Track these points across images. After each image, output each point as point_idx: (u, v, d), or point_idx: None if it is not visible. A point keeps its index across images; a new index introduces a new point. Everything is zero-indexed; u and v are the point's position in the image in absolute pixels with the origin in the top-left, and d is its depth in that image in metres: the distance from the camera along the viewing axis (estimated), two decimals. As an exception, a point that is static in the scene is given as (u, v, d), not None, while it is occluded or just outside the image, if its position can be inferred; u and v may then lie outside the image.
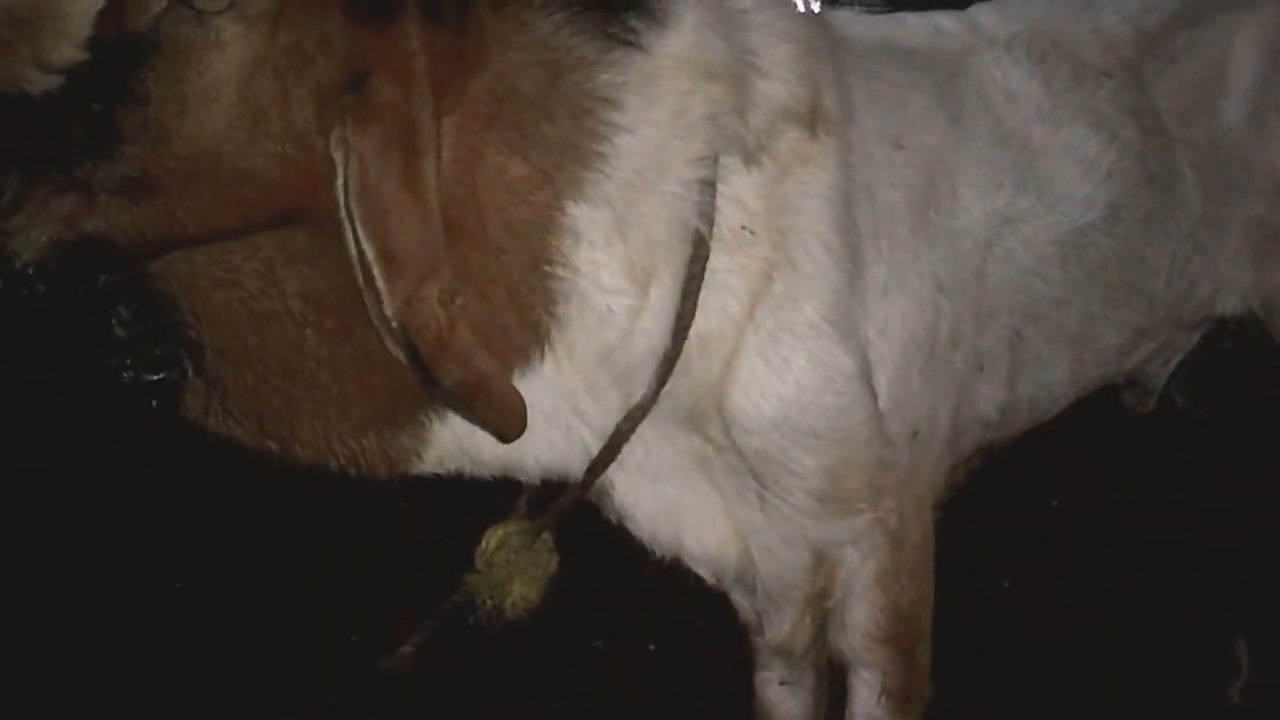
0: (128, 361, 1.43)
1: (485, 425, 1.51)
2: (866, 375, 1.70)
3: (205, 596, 2.93)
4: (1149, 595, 2.78)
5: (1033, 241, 1.90)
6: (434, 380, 1.39)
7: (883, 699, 1.95)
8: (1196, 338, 2.30)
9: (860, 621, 1.87)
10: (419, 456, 1.58)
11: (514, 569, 1.79)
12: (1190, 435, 2.64)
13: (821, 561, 1.81)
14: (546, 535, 1.82)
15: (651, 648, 2.95)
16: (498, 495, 1.81)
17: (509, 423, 1.46)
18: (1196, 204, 2.04)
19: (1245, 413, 2.53)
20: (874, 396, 1.72)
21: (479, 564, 1.83)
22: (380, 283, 1.33)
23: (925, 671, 1.98)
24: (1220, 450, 2.73)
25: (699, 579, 1.90)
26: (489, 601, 1.79)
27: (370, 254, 1.33)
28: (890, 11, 2.02)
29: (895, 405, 1.76)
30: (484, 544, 1.84)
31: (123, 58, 1.28)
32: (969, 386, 1.91)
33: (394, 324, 1.35)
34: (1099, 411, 2.37)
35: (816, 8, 2.07)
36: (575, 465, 1.66)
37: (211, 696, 2.70)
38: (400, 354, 1.37)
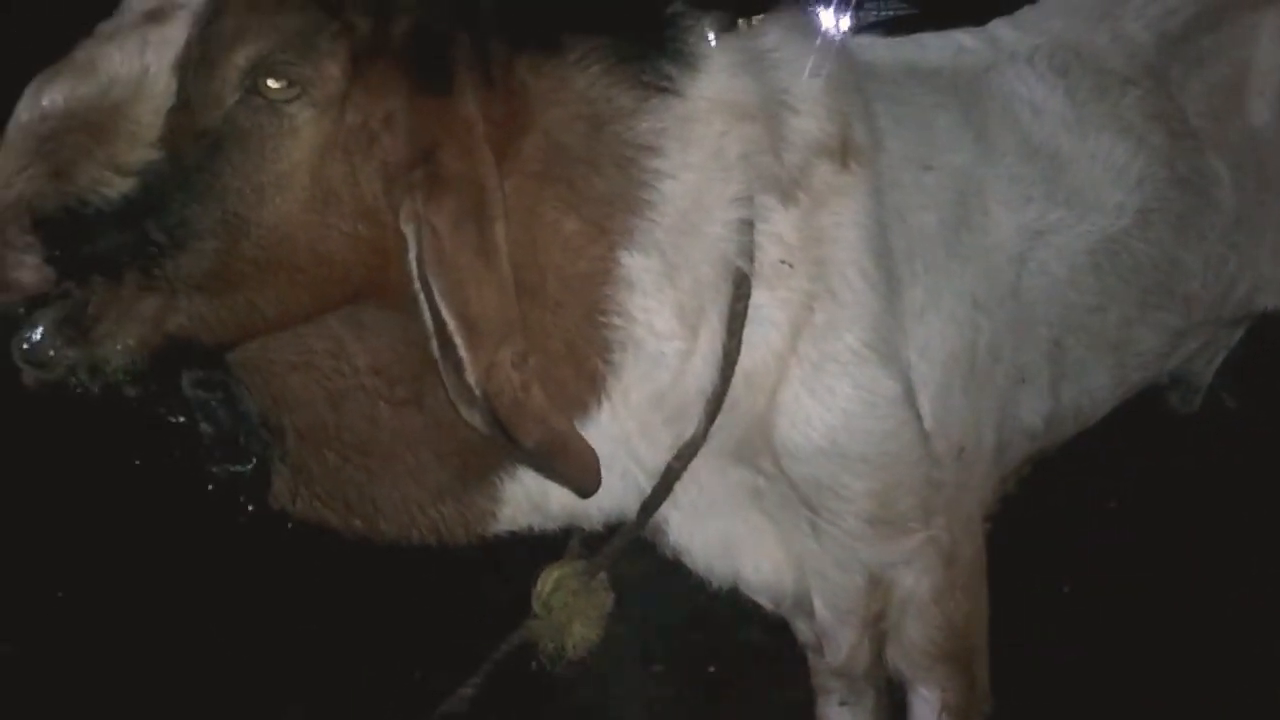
0: (216, 455, 1.46)
1: (566, 482, 1.52)
2: (911, 398, 1.71)
3: (263, 637, 2.96)
4: (1210, 597, 2.77)
5: (1066, 252, 1.91)
6: (516, 443, 1.40)
7: (943, 716, 1.96)
8: (1239, 334, 2.29)
9: (917, 640, 1.88)
10: (495, 517, 1.60)
11: (573, 611, 1.81)
12: (1241, 433, 2.63)
13: (877, 583, 1.82)
14: (602, 575, 1.84)
15: (711, 669, 2.96)
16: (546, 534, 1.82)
17: (587, 478, 1.48)
18: (1231, 204, 2.04)
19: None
20: (919, 418, 1.73)
21: (536, 607, 1.85)
22: (463, 351, 1.35)
23: (985, 687, 1.98)
24: (1273, 448, 2.71)
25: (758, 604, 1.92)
26: (550, 645, 1.81)
27: (452, 325, 1.34)
28: (911, 32, 2.03)
29: (940, 425, 1.78)
30: (540, 587, 1.85)
31: (195, 155, 1.30)
32: (1012, 400, 1.92)
33: (477, 391, 1.36)
34: (1152, 411, 2.37)
35: (842, 28, 2.08)
36: (631, 506, 1.68)
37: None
38: (479, 419, 1.39)
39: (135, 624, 3.03)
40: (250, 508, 1.49)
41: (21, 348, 1.29)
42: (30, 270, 1.26)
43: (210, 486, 1.46)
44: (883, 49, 1.91)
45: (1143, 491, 3.10)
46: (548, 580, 1.85)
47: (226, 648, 2.93)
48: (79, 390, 1.31)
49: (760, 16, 1.75)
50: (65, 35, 1.34)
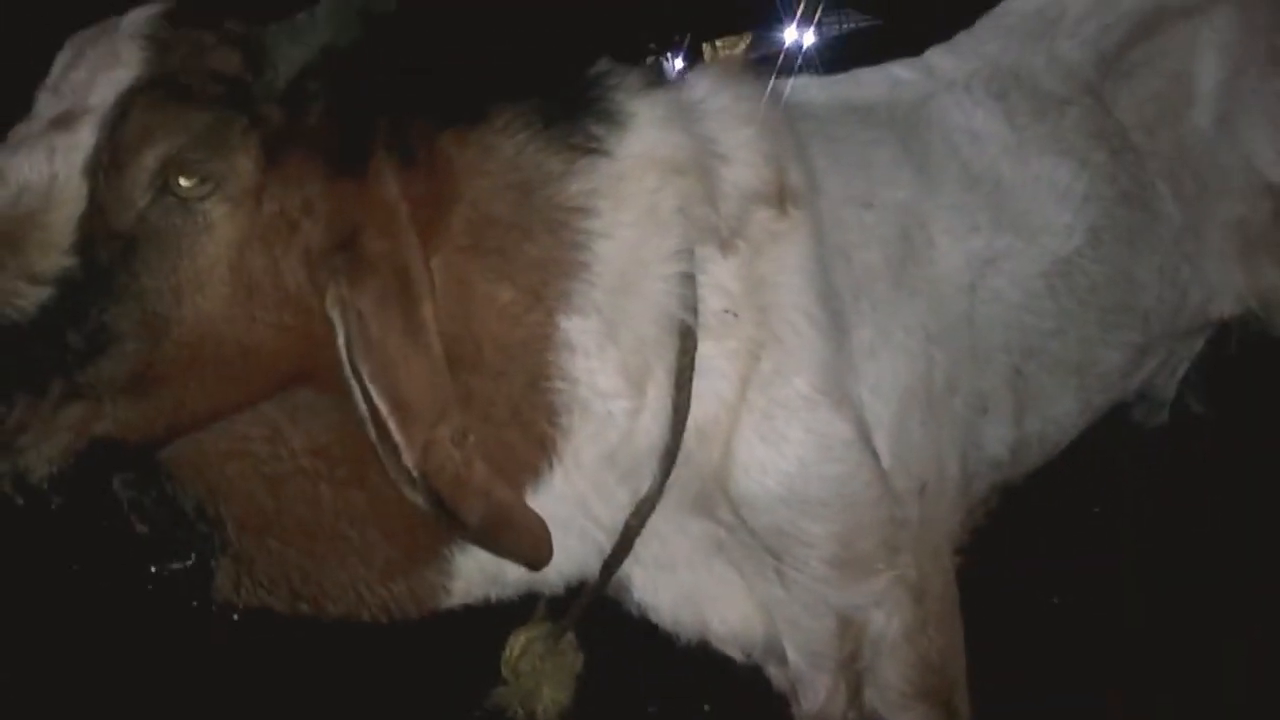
0: (154, 553, 1.44)
1: (515, 557, 1.50)
2: (866, 438, 1.69)
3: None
4: (1198, 601, 2.74)
5: (1018, 277, 1.90)
6: (460, 521, 1.39)
7: (927, 752, 1.93)
8: (1200, 344, 2.28)
9: (893, 680, 1.85)
10: (446, 591, 1.58)
11: (541, 675, 1.79)
12: (1210, 437, 2.61)
13: (848, 626, 1.80)
14: (569, 635, 1.82)
15: (707, 708, 2.92)
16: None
17: (537, 550, 1.46)
18: (1175, 214, 2.04)
19: (1262, 410, 2.50)
20: (875, 458, 1.71)
21: (505, 673, 1.83)
22: (397, 435, 1.33)
23: (967, 718, 1.96)
24: (1252, 450, 2.70)
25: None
26: (520, 711, 1.79)
27: (384, 409, 1.33)
28: (875, 44, 2.02)
29: (899, 461, 1.76)
30: (508, 652, 1.84)
31: (110, 258, 1.28)
32: (974, 430, 1.91)
33: (414, 473, 1.34)
34: (1118, 422, 2.35)
35: (804, 44, 2.08)
36: (593, 565, 1.66)
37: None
38: (420, 500, 1.37)
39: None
40: (194, 603, 1.46)
41: None
42: None
43: (150, 586, 1.44)
44: (816, 89, 1.91)
45: (1114, 504, 3.09)
46: (515, 644, 1.84)
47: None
48: (3, 500, 1.29)
49: (724, 40, 1.74)
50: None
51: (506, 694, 1.79)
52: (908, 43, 2.10)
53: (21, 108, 1.36)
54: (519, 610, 1.84)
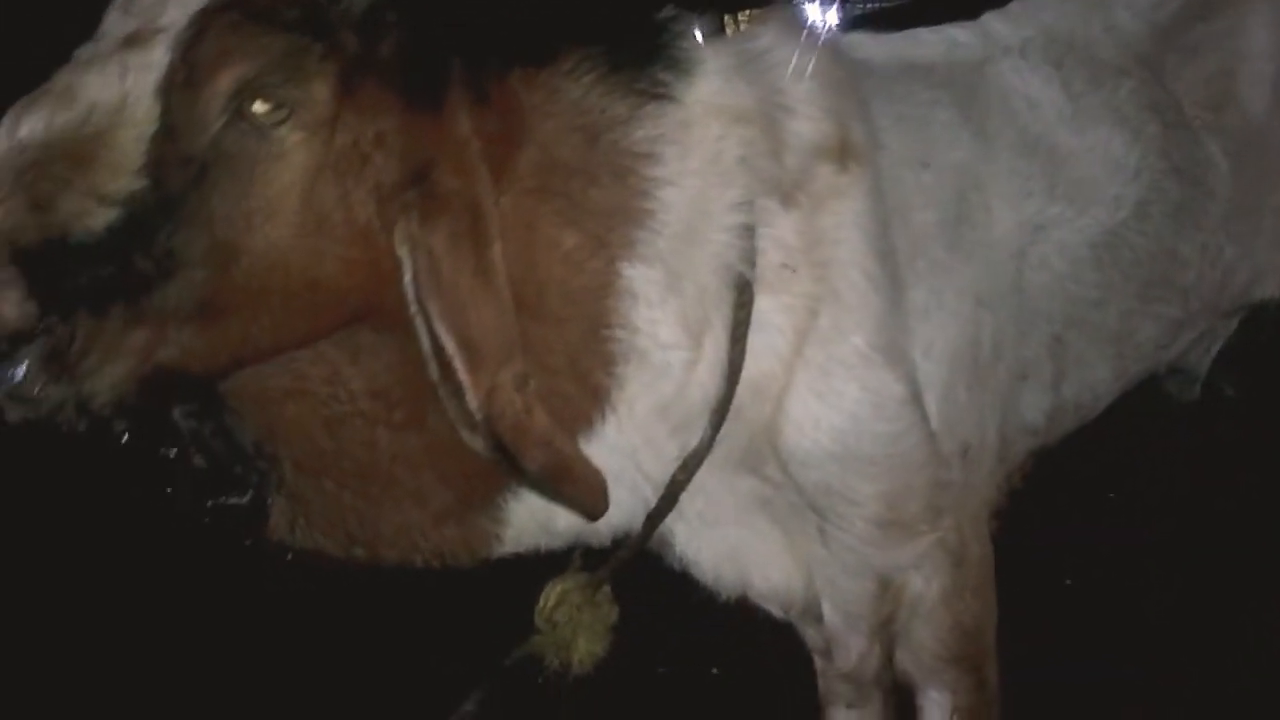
0: (210, 488, 1.42)
1: (573, 505, 1.49)
2: (918, 399, 1.69)
3: (260, 658, 2.92)
4: (1213, 585, 2.76)
5: (1066, 246, 1.89)
6: (520, 467, 1.37)
7: (954, 718, 1.94)
8: (1234, 324, 2.28)
9: (927, 643, 1.86)
10: (499, 539, 1.57)
11: (578, 625, 1.78)
12: (1240, 420, 2.62)
13: (886, 587, 1.80)
14: (606, 588, 1.82)
15: (715, 671, 2.93)
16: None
17: (596, 501, 1.44)
18: (1226, 194, 2.03)
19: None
20: (926, 419, 1.71)
21: (539, 622, 1.82)
22: (463, 376, 1.31)
23: (995, 688, 1.97)
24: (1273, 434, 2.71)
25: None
26: (555, 661, 1.79)
27: (451, 348, 1.30)
28: (903, 24, 2.00)
29: (946, 424, 1.76)
30: (543, 602, 1.83)
31: (181, 182, 1.26)
32: (1014, 396, 1.90)
33: (479, 416, 1.32)
34: (1148, 400, 2.35)
35: (833, 23, 2.05)
36: (638, 518, 1.65)
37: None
38: (480, 444, 1.35)
39: (128, 640, 2.99)
40: (247, 541, 1.45)
41: (4, 385, 1.24)
42: (11, 305, 1.21)
43: (206, 520, 1.42)
44: (875, 46, 1.89)
45: (1141, 481, 3.10)
46: (550, 595, 1.83)
47: (223, 664, 2.88)
48: (66, 428, 1.27)
49: (748, 13, 1.72)
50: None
51: (542, 643, 1.79)
52: (932, 23, 2.08)
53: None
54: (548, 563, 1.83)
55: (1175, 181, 1.99)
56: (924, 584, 1.80)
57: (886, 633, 1.86)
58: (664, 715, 2.83)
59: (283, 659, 2.90)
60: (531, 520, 1.57)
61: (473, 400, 1.32)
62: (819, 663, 2.19)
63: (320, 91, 1.29)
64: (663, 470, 1.61)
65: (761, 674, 2.76)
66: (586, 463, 1.44)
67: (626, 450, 1.58)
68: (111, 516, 3.08)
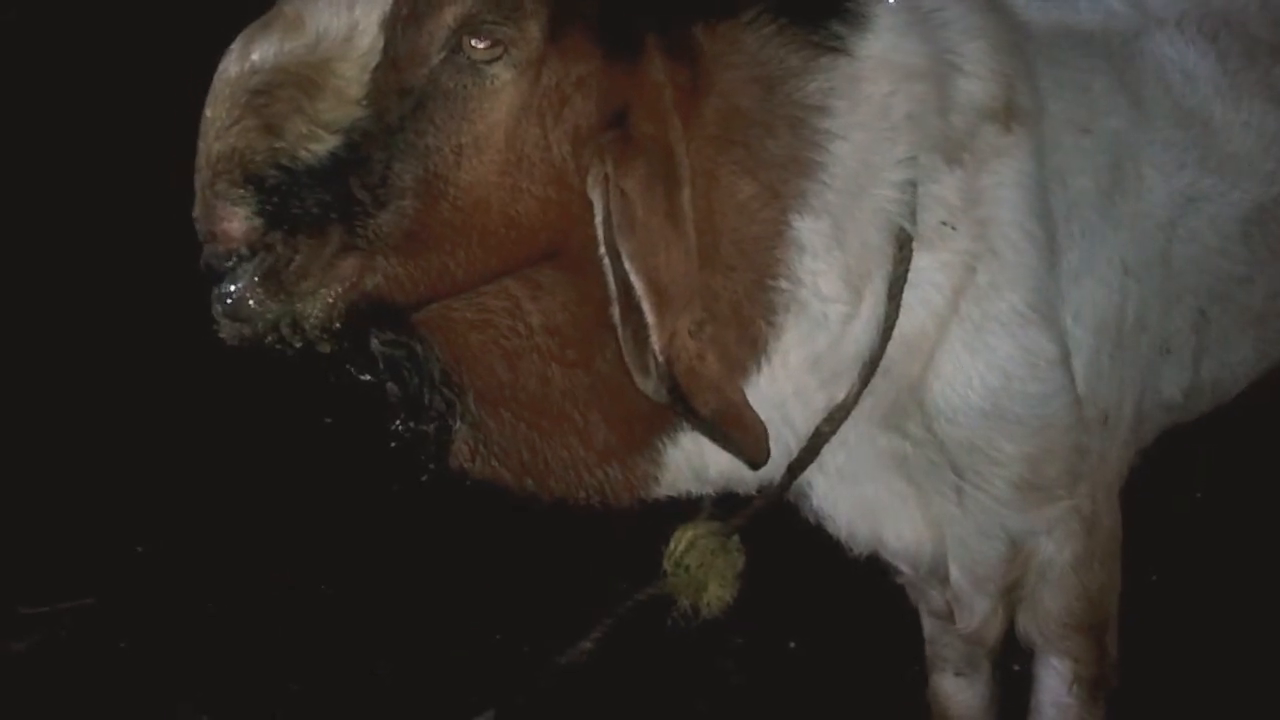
0: (401, 414, 1.46)
1: (739, 452, 1.52)
2: (1068, 361, 1.70)
3: (370, 595, 2.99)
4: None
5: (1217, 220, 1.88)
6: (692, 412, 1.39)
7: (1074, 687, 1.95)
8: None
9: (1054, 609, 1.87)
10: (656, 480, 1.60)
11: (710, 571, 1.80)
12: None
13: (1017, 551, 1.81)
14: (736, 536, 1.84)
15: (793, 645, 2.93)
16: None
17: (760, 448, 1.47)
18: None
19: None
20: (1074, 383, 1.71)
21: (668, 566, 1.85)
22: (650, 317, 1.34)
23: (1114, 660, 1.97)
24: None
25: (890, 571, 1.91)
26: (685, 603, 1.81)
27: (640, 290, 1.34)
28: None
29: (1089, 390, 1.76)
30: (673, 546, 1.85)
31: (399, 113, 1.30)
32: (1154, 370, 1.90)
33: (660, 358, 1.35)
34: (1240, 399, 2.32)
35: None
36: (780, 470, 1.67)
37: (365, 696, 2.75)
38: (654, 387, 1.38)
39: (218, 579, 3.06)
40: (432, 466, 1.49)
41: (224, 300, 1.29)
42: (239, 222, 1.26)
43: (392, 445, 1.47)
44: (1035, 10, 1.88)
45: (1228, 480, 3.06)
46: (681, 540, 1.85)
47: (326, 598, 2.97)
48: (276, 346, 1.31)
49: None
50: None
51: (673, 584, 1.81)
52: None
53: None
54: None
55: (1327, 162, 1.96)
56: (1055, 549, 1.81)
57: (1012, 597, 1.87)
58: (740, 688, 2.82)
59: (383, 602, 2.98)
60: (686, 465, 1.60)
61: (657, 342, 1.36)
62: (931, 628, 2.20)
63: (532, 31, 1.32)
64: (808, 422, 1.63)
65: (840, 648, 2.77)
66: (752, 411, 1.46)
67: (776, 400, 1.59)
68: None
